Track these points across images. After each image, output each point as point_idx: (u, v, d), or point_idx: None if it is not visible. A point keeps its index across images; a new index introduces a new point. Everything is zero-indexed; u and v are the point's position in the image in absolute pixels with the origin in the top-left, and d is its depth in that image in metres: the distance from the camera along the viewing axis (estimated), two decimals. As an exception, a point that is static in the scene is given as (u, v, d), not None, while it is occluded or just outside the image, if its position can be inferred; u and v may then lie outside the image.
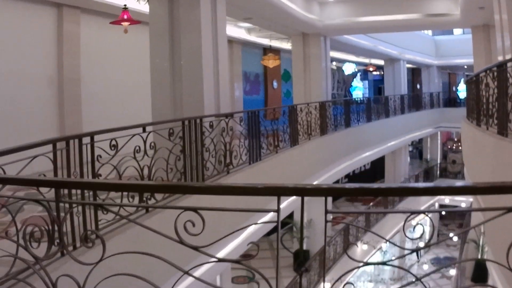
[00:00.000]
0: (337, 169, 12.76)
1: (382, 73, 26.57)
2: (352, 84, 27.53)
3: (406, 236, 1.91)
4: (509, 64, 5.08)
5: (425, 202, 21.27)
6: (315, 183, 10.84)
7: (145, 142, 4.90)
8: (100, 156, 4.32)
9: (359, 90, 27.50)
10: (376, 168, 24.96)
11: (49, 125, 9.12)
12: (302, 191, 1.56)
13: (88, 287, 2.23)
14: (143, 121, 5.30)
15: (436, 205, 22.89)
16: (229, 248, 6.68)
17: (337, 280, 1.83)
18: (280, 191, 1.59)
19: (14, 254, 2.68)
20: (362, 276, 18.29)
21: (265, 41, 17.15)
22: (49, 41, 9.20)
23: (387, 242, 19.65)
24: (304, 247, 15.13)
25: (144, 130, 4.98)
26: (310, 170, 10.71)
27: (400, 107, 19.23)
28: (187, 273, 1.88)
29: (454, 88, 31.64)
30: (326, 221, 1.60)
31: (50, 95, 9.23)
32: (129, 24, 8.07)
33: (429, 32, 25.73)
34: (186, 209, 1.75)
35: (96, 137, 4.34)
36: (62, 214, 3.57)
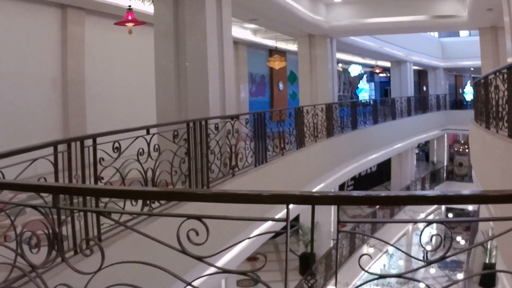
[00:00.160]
0: (344, 172, 12.64)
1: (389, 75, 26.42)
2: (358, 86, 27.38)
3: (422, 247, 1.81)
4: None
5: (431, 205, 21.07)
6: (321, 185, 10.74)
7: (149, 144, 4.81)
8: (103, 159, 4.24)
9: (365, 92, 27.34)
10: (383, 171, 24.80)
11: (53, 127, 9.06)
12: (312, 200, 1.47)
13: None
14: (148, 123, 5.22)
15: (443, 207, 22.70)
16: (233, 253, 6.57)
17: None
18: (289, 200, 1.49)
19: (13, 259, 2.59)
20: (368, 279, 18.11)
21: (271, 43, 17.07)
22: (53, 42, 9.15)
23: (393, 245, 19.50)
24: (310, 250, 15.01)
25: (148, 132, 4.89)
26: (317, 172, 10.59)
27: (407, 109, 19.07)
28: (190, 284, 1.78)
29: (460, 90, 31.42)
30: (338, 231, 1.50)
31: (54, 96, 9.17)
32: (134, 25, 8.00)
33: (436, 34, 25.56)
34: (190, 217, 1.65)
35: (98, 139, 4.25)
36: (63, 217, 3.53)
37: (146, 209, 4.74)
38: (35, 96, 8.78)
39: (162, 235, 4.36)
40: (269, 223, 7.71)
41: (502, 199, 1.62)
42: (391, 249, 18.27)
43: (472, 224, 21.18)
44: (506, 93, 5.41)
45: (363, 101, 17.94)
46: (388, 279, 19.37)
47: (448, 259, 21.22)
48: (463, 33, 25.95)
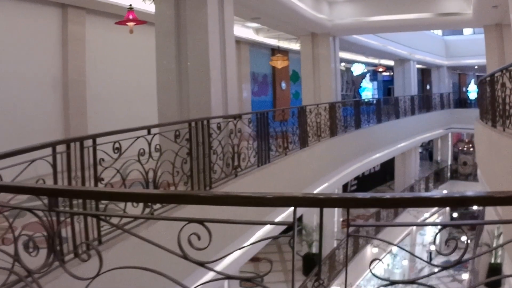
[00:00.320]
0: (347, 171, 12.54)
1: (392, 73, 26.30)
2: (361, 85, 27.27)
3: (438, 252, 1.72)
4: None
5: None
6: (325, 185, 10.66)
7: (150, 144, 4.72)
8: (103, 160, 4.15)
9: (368, 91, 27.23)
10: (386, 170, 24.69)
11: (54, 127, 8.99)
12: (321, 202, 1.37)
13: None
14: (149, 123, 5.13)
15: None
16: (236, 254, 6.47)
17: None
18: (297, 202, 1.40)
19: (11, 263, 2.51)
20: (372, 280, 18.03)
21: (273, 42, 16.98)
22: (54, 42, 9.07)
23: (397, 245, 19.39)
24: (313, 251, 14.91)
25: (149, 132, 4.81)
26: (320, 172, 10.50)
27: (411, 108, 18.96)
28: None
29: (464, 89, 31.27)
30: (348, 235, 1.40)
31: (54, 97, 9.10)
32: (135, 24, 7.94)
33: (439, 32, 25.43)
34: (191, 221, 1.56)
35: (99, 140, 4.17)
36: (62, 218, 3.45)
37: (147, 210, 4.66)
38: (36, 96, 8.70)
39: (164, 236, 4.29)
40: (276, 226, 7.61)
41: (509, 201, 1.53)
42: (394, 249, 18.16)
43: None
44: (513, 91, 5.32)
45: (366, 100, 17.84)
46: (391, 279, 19.25)
47: (452, 259, 21.13)
48: (467, 31, 25.82)
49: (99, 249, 3.85)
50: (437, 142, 25.89)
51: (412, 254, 14.93)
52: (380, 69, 24.81)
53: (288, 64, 16.62)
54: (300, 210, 9.54)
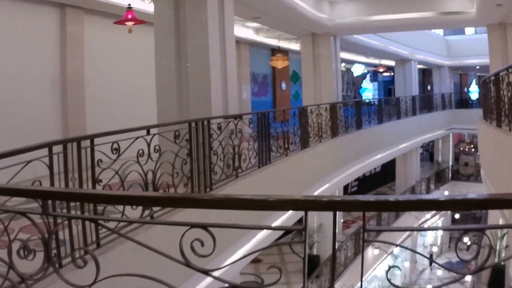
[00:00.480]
0: (348, 172, 12.44)
1: (392, 74, 26.21)
2: (361, 85, 27.18)
3: (458, 257, 1.62)
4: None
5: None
6: (326, 186, 10.57)
7: (149, 145, 4.62)
8: (101, 161, 4.05)
9: (369, 91, 27.14)
10: (387, 171, 24.59)
11: (52, 128, 8.89)
12: (334, 205, 1.27)
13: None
14: (149, 124, 5.02)
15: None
16: (237, 256, 6.37)
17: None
18: (309, 206, 1.29)
19: (6, 267, 2.40)
20: (373, 281, 17.92)
21: (273, 42, 16.90)
22: (52, 42, 8.97)
23: (398, 246, 19.29)
24: (314, 252, 14.80)
25: (148, 133, 4.70)
26: (321, 173, 10.40)
27: (412, 108, 18.87)
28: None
29: (465, 89, 31.17)
30: (363, 240, 1.30)
31: (53, 97, 9.00)
32: (134, 24, 7.84)
33: (440, 31, 25.34)
34: (194, 226, 1.45)
35: (97, 140, 4.07)
36: (59, 221, 3.34)
37: (147, 212, 4.56)
38: (34, 97, 8.61)
39: (165, 238, 4.18)
40: (273, 224, 7.52)
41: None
42: (395, 250, 18.06)
43: (480, 223, 20.95)
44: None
45: (368, 100, 17.75)
46: (393, 280, 19.11)
47: (454, 260, 21.02)
48: (469, 31, 25.73)
49: (98, 253, 3.77)
50: (438, 143, 25.78)
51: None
52: (381, 70, 24.73)
53: (288, 64, 16.52)
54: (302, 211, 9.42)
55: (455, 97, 25.61)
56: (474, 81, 30.05)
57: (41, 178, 3.30)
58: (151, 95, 7.74)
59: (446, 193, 22.61)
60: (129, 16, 7.77)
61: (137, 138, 4.49)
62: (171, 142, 5.12)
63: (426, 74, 29.33)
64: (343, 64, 23.70)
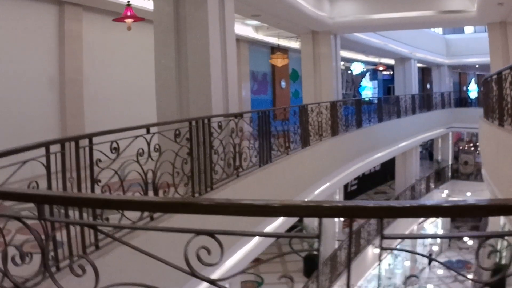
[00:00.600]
0: (349, 171, 12.37)
1: (392, 72, 26.15)
2: (361, 84, 27.11)
3: (478, 263, 1.53)
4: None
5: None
6: (327, 185, 10.52)
7: (149, 144, 4.54)
8: (100, 160, 3.97)
9: (368, 90, 27.07)
10: (387, 169, 24.53)
11: (50, 127, 8.80)
12: (351, 211, 1.19)
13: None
14: (148, 123, 4.94)
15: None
16: (238, 256, 6.29)
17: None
18: (323, 212, 1.22)
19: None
20: (373, 280, 17.87)
21: (273, 40, 16.82)
22: (50, 40, 8.87)
23: (398, 245, 19.23)
24: (314, 252, 14.72)
25: (148, 132, 4.62)
26: (322, 172, 10.34)
27: (411, 107, 18.82)
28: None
29: (465, 88, 31.12)
30: (381, 248, 1.22)
31: (51, 96, 8.91)
32: (133, 21, 7.74)
33: (440, 30, 25.28)
34: (200, 232, 1.37)
35: (96, 140, 3.98)
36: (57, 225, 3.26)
37: (146, 213, 4.47)
38: (32, 95, 8.51)
39: (166, 238, 4.10)
40: (275, 224, 7.44)
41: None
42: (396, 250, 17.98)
43: (481, 224, 20.90)
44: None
45: (368, 99, 17.70)
46: (393, 280, 19.11)
47: (454, 259, 20.97)
48: (468, 30, 25.68)
49: (96, 255, 3.69)
50: (438, 142, 25.73)
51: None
52: (380, 68, 24.66)
53: (288, 62, 16.44)
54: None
55: (454, 96, 25.57)
56: (473, 80, 30.02)
57: (38, 177, 3.23)
58: (150, 94, 7.66)
59: (446, 192, 22.57)
60: (128, 13, 7.67)
61: (137, 137, 4.42)
62: (171, 141, 5.04)
63: (425, 73, 29.29)
64: (342, 63, 23.64)
